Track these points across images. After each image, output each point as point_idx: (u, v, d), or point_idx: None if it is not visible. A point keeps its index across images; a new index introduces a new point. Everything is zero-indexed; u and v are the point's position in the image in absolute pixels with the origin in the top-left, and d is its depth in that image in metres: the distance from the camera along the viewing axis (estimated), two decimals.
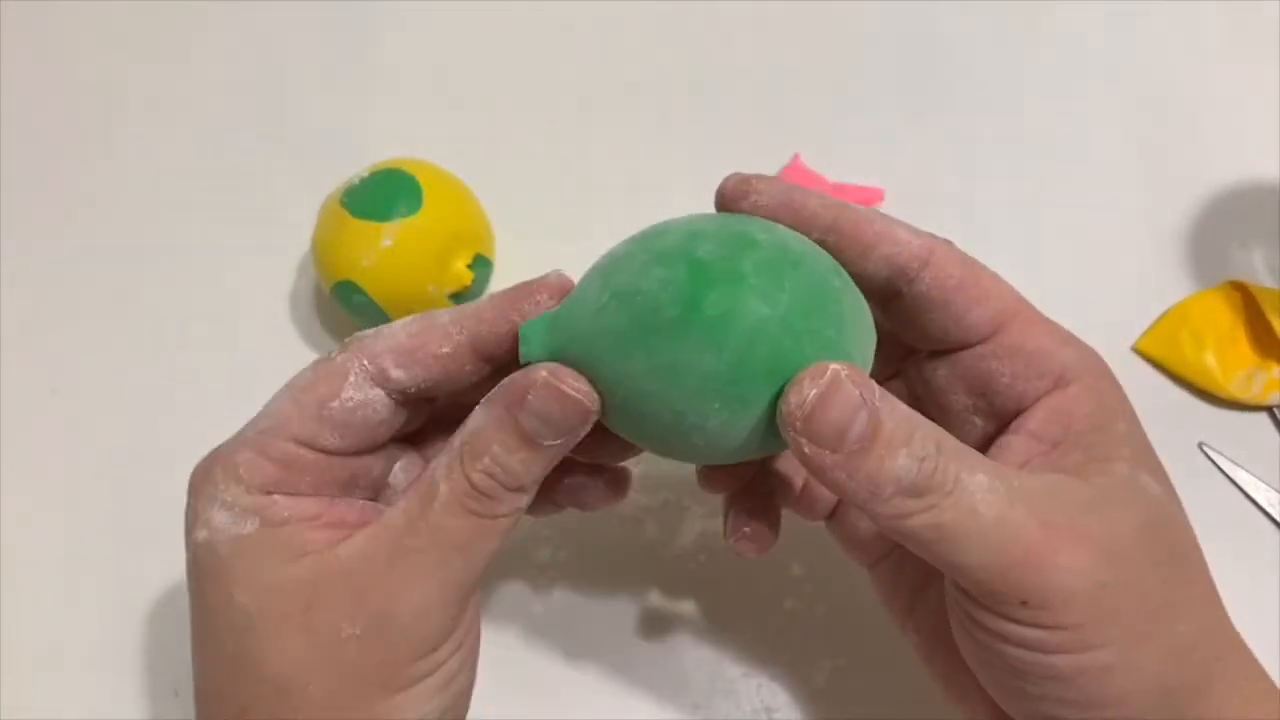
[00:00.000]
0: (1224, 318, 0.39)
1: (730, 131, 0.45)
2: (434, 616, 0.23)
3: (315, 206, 0.37)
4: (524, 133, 0.45)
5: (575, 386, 0.23)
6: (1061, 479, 0.23)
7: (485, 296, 0.26)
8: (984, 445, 0.27)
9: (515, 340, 0.24)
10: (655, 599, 0.35)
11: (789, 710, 0.33)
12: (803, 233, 0.24)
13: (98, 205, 0.45)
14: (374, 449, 0.26)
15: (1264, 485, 0.37)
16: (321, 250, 0.37)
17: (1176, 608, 0.23)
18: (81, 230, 0.44)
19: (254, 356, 0.40)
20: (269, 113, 0.46)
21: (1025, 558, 0.21)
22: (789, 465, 0.29)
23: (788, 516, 0.29)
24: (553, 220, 0.43)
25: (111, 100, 0.47)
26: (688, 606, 0.35)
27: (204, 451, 0.25)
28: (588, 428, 0.23)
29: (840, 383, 0.21)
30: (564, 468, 0.26)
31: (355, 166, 0.38)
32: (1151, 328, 0.40)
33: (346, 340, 0.26)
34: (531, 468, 0.23)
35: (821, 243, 0.25)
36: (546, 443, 0.23)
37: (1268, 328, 0.38)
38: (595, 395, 0.23)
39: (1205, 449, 0.38)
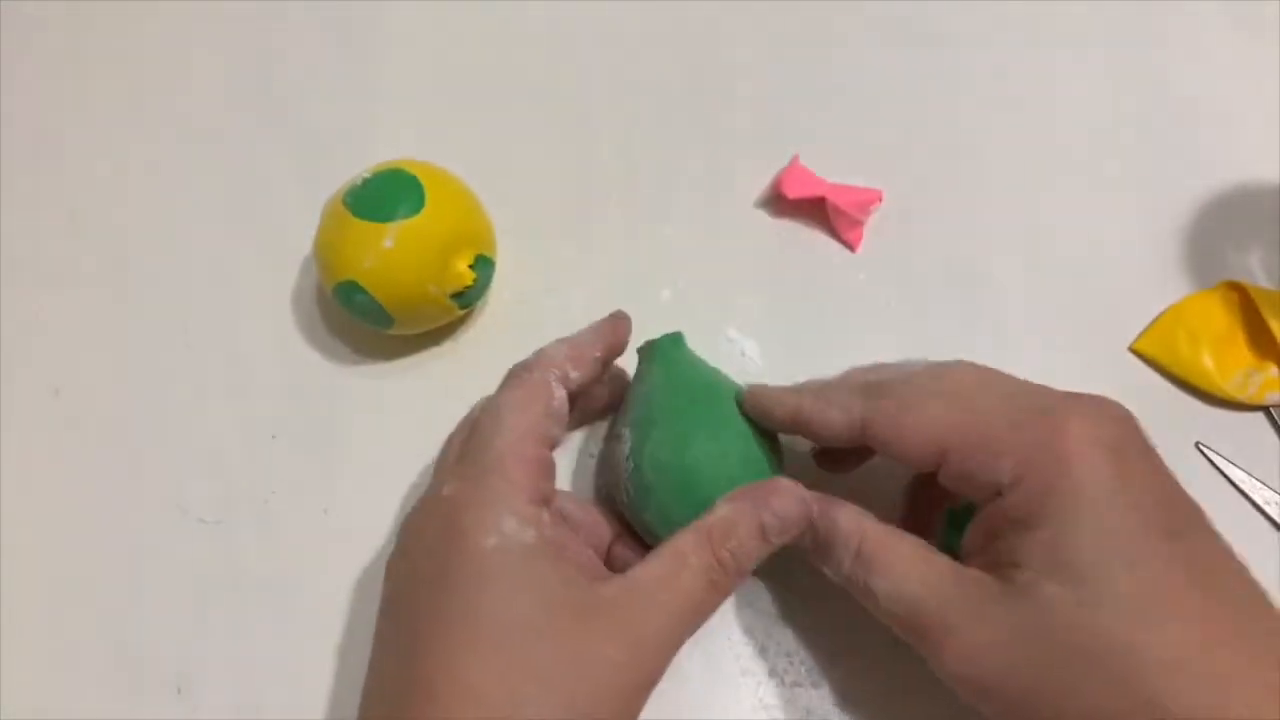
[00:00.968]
0: (1221, 318, 0.40)
1: (730, 131, 0.45)
2: (668, 656, 0.27)
3: (317, 207, 0.37)
4: (525, 133, 0.46)
5: (802, 496, 0.29)
6: (975, 574, 0.27)
7: (602, 320, 0.34)
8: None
9: (622, 349, 0.34)
10: None
11: (788, 708, 0.33)
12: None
13: (100, 205, 0.45)
14: None
15: (1261, 484, 0.37)
16: (323, 250, 0.37)
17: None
18: (83, 230, 0.44)
19: (255, 356, 0.40)
20: (271, 113, 0.47)
21: (925, 635, 0.27)
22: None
23: None
24: (553, 220, 0.43)
25: (113, 100, 0.47)
26: None
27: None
28: (802, 530, 0.29)
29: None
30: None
31: (357, 167, 0.38)
32: (1149, 328, 0.40)
33: (523, 361, 0.32)
34: (760, 555, 0.29)
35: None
36: (774, 539, 0.29)
37: (1264, 328, 0.39)
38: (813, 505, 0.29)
39: (1202, 448, 0.38)
